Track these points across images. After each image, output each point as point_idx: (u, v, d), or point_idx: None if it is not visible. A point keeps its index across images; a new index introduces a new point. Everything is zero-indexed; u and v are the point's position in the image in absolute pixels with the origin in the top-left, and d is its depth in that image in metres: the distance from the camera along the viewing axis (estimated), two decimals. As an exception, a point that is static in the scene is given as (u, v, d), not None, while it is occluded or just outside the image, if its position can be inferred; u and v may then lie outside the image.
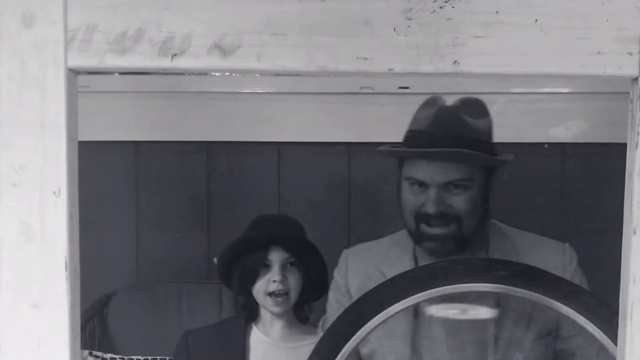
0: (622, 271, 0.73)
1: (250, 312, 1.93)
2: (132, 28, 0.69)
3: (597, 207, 2.39)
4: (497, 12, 0.67)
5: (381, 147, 1.72)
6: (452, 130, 1.64)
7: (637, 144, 0.69)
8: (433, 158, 1.62)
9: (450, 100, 1.72)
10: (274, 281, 1.85)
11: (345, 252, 1.87)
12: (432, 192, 1.62)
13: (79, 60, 0.70)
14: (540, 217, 2.42)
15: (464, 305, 1.35)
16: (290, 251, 1.87)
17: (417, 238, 1.69)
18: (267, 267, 1.87)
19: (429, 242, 1.67)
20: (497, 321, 1.61)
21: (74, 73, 0.71)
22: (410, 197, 1.67)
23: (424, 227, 1.66)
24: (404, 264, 1.70)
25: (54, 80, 0.70)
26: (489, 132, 1.70)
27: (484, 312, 1.34)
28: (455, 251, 1.64)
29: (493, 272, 1.31)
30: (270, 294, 1.86)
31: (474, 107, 1.70)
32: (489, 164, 1.67)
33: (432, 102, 1.70)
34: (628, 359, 0.71)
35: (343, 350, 1.31)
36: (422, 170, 1.63)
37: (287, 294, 1.86)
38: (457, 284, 1.32)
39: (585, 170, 2.45)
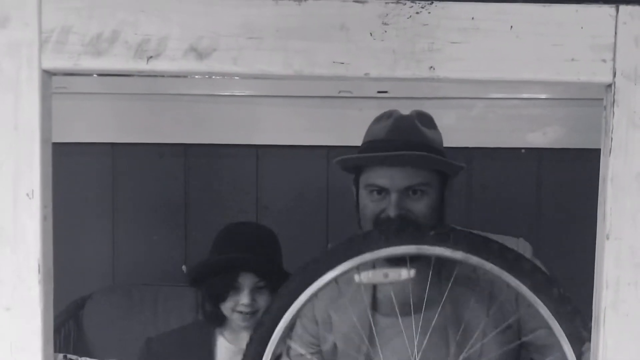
0: (596, 276, 0.74)
1: (216, 320, 1.90)
2: (107, 30, 0.69)
3: (573, 212, 2.41)
4: (472, 18, 0.68)
5: (339, 158, 1.74)
6: (410, 136, 1.68)
7: (610, 150, 0.70)
8: (394, 163, 1.65)
9: (404, 112, 1.77)
10: (243, 304, 1.82)
11: None
12: (393, 197, 1.65)
13: (53, 62, 0.69)
14: (516, 220, 2.43)
15: (384, 270, 1.38)
16: (260, 276, 1.83)
17: None
18: (236, 288, 1.83)
19: None
20: (455, 310, 1.64)
21: (48, 74, 0.71)
22: (369, 204, 1.69)
23: None
24: None
25: (28, 81, 0.69)
26: (440, 143, 1.74)
27: (404, 273, 1.38)
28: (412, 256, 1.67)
29: (442, 238, 1.34)
30: (239, 312, 1.84)
31: (427, 119, 1.76)
32: (447, 169, 1.72)
33: (388, 114, 1.75)
34: (600, 364, 0.72)
35: (274, 335, 1.34)
36: (382, 176, 1.66)
37: (255, 312, 1.83)
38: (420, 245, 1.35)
39: (561, 175, 2.47)
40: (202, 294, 1.90)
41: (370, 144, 1.72)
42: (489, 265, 1.31)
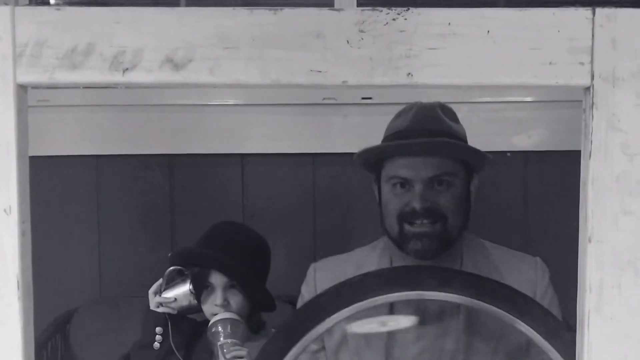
0: (579, 280, 0.74)
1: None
2: (82, 43, 0.68)
3: (559, 214, 2.41)
4: (449, 23, 0.67)
5: (359, 151, 1.66)
6: (434, 125, 1.62)
7: (590, 153, 0.70)
8: (417, 152, 1.59)
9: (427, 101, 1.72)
10: (216, 305, 1.81)
11: (313, 266, 1.80)
12: (418, 188, 1.58)
13: (28, 76, 0.69)
14: (503, 224, 2.43)
15: (382, 318, 1.33)
16: (229, 276, 1.82)
17: (401, 241, 1.64)
18: (209, 287, 1.83)
19: (414, 241, 1.60)
20: (465, 338, 1.60)
21: (23, 89, 0.70)
22: (393, 199, 1.63)
23: (408, 228, 1.62)
24: None
25: (2, 96, 0.69)
26: (464, 137, 1.70)
27: (404, 322, 1.32)
28: (436, 257, 1.61)
29: (460, 283, 1.31)
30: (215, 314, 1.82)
31: (450, 112, 1.70)
32: (473, 158, 1.65)
33: (409, 107, 1.69)
34: (585, 368, 0.71)
35: (294, 350, 1.30)
36: (405, 167, 1.60)
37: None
38: (421, 290, 1.31)
39: (547, 177, 2.47)
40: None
41: (391, 136, 1.65)
42: (499, 312, 1.27)
